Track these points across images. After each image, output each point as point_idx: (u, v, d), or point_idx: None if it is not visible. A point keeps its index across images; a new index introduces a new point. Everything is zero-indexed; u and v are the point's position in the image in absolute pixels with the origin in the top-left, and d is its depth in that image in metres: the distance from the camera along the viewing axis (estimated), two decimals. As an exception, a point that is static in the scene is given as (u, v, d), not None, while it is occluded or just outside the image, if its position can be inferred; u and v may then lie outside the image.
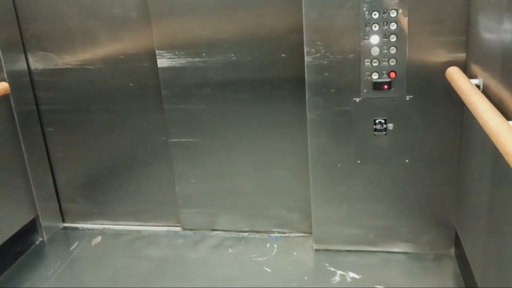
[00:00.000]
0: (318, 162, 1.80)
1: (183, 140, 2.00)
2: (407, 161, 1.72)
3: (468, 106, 1.25)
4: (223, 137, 1.97)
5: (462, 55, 1.57)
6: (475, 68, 1.47)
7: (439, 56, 1.59)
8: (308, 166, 1.82)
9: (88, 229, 2.23)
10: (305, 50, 1.66)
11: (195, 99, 1.93)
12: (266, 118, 1.91)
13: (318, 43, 1.64)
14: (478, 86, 1.37)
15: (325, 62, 1.66)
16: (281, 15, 1.75)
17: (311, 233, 1.96)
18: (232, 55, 1.83)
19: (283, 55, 1.80)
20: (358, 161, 1.76)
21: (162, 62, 1.89)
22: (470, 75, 1.48)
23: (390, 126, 1.69)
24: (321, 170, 1.81)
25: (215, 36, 1.82)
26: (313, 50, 1.65)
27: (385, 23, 1.58)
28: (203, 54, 1.85)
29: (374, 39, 1.60)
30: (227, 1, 1.77)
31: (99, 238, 2.15)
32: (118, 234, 2.17)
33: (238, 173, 2.02)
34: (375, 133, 1.71)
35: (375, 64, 1.63)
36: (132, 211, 2.21)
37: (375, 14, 1.57)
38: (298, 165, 1.95)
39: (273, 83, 1.85)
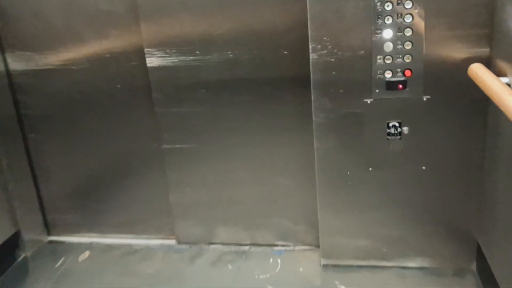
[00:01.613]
0: (326, 169, 1.63)
1: (177, 146, 1.83)
2: (423, 167, 1.56)
3: (501, 107, 1.09)
4: (221, 142, 1.80)
5: (485, 50, 1.40)
6: (502, 64, 1.31)
7: (459, 51, 1.42)
8: (314, 173, 1.66)
9: (75, 243, 2.06)
10: (310, 47, 1.49)
11: (189, 101, 1.76)
12: (267, 121, 1.74)
13: (325, 38, 1.47)
14: (508, 85, 1.21)
15: (332, 60, 1.49)
16: (283, 8, 1.58)
17: (318, 245, 1.80)
18: (229, 52, 1.66)
19: (285, 52, 1.63)
20: (370, 168, 1.60)
21: (152, 61, 1.72)
22: (497, 73, 1.31)
23: (405, 129, 1.52)
24: (329, 178, 1.65)
25: (210, 32, 1.65)
26: (319, 46, 1.49)
27: (400, 15, 1.41)
28: (197, 52, 1.68)
29: (387, 34, 1.43)
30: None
31: (87, 253, 1.98)
32: (108, 248, 2.00)
33: (237, 181, 1.85)
34: (389, 137, 1.55)
35: (388, 61, 1.46)
36: (122, 223, 2.04)
37: (388, 6, 1.41)
38: (303, 172, 1.78)
39: (274, 83, 1.68)
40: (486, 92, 1.19)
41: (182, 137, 1.82)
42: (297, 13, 1.57)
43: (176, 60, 1.70)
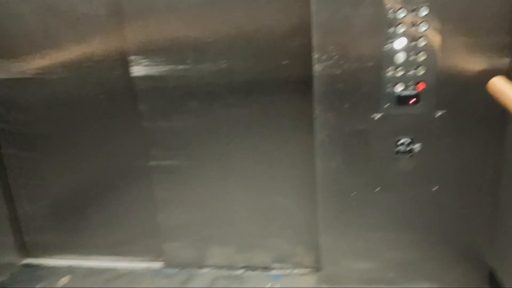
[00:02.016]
0: (329, 189, 1.50)
1: (166, 163, 1.68)
2: (435, 188, 1.44)
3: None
4: (214, 159, 1.65)
5: (505, 61, 1.28)
6: (527, 79, 1.20)
7: (477, 62, 1.30)
8: (314, 192, 1.53)
9: (54, 266, 1.89)
10: (313, 57, 1.35)
11: (179, 114, 1.61)
12: (264, 136, 1.60)
13: (330, 48, 1.34)
14: (538, 103, 1.09)
15: (338, 71, 1.36)
16: (284, 13, 1.44)
17: (317, 268, 1.67)
18: (223, 61, 1.51)
19: (285, 61, 1.49)
20: (377, 189, 1.47)
21: (138, 70, 1.56)
22: (521, 88, 1.20)
23: (416, 147, 1.40)
24: (333, 198, 1.51)
25: (202, 38, 1.49)
26: (324, 57, 1.35)
27: (413, 23, 1.28)
28: (188, 61, 1.52)
29: (399, 43, 1.30)
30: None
31: (67, 278, 1.81)
32: (90, 272, 1.83)
33: (231, 200, 1.71)
34: (398, 155, 1.42)
35: (399, 74, 1.33)
36: (106, 244, 1.88)
37: (401, 13, 1.28)
38: (302, 191, 1.64)
39: (273, 95, 1.54)
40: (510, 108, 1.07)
41: (171, 153, 1.66)
42: (298, 19, 1.43)
43: (164, 69, 1.55)
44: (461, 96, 1.33)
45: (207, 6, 1.46)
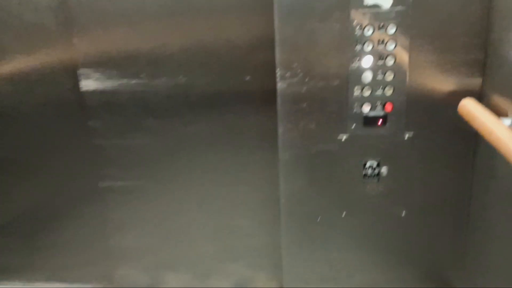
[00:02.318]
0: (293, 212, 1.41)
1: (119, 183, 1.55)
2: (404, 213, 1.38)
3: (508, 156, 0.91)
4: (171, 179, 1.54)
5: (477, 81, 1.24)
6: (500, 100, 1.15)
7: (448, 82, 1.25)
8: (277, 215, 1.44)
9: (-6, 296, 1.73)
10: (277, 74, 1.27)
11: (134, 131, 1.49)
12: (226, 156, 1.50)
13: (295, 64, 1.26)
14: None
15: (303, 90, 1.28)
16: (246, 26, 1.35)
17: (281, 295, 1.58)
18: (181, 76, 1.41)
19: (248, 77, 1.40)
20: (343, 214, 1.39)
21: (88, 84, 1.44)
22: (492, 109, 1.15)
23: (384, 170, 1.33)
24: (296, 223, 1.43)
25: (158, 51, 1.39)
26: (288, 74, 1.27)
27: (381, 41, 1.22)
28: (143, 75, 1.41)
29: (367, 62, 1.24)
30: (174, 6, 1.34)
31: (7, 309, 1.66)
32: (35, 301, 1.68)
33: (189, 223, 1.60)
34: (365, 179, 1.35)
35: (367, 93, 1.27)
36: (55, 269, 1.72)
37: (368, 30, 1.21)
38: (265, 213, 1.55)
39: (235, 113, 1.44)
40: (487, 137, 1.01)
41: (125, 173, 1.54)
42: (262, 33, 1.34)
43: (117, 84, 1.43)
44: (431, 117, 1.28)
45: (163, 17, 1.35)
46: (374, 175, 1.34)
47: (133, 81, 1.43)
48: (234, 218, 1.58)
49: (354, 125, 1.30)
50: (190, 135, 1.48)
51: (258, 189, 1.53)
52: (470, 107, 1.14)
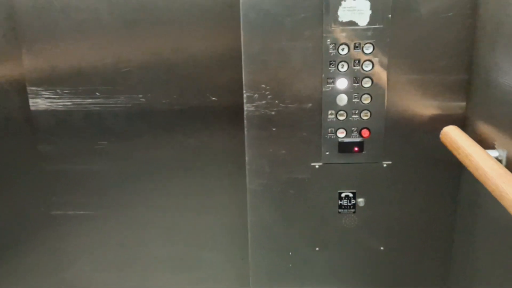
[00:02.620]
0: (261, 247, 1.29)
1: (71, 213, 1.41)
2: (382, 248, 1.26)
3: (501, 200, 0.81)
4: (130, 208, 1.40)
5: (461, 105, 1.14)
6: (485, 128, 1.05)
7: (429, 107, 1.15)
8: (245, 247, 1.31)
9: None
10: (244, 95, 1.16)
11: (88, 156, 1.35)
12: (190, 183, 1.37)
13: (263, 86, 1.15)
14: (499, 160, 0.94)
15: (272, 113, 1.17)
16: (213, 40, 1.23)
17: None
18: (140, 96, 1.28)
19: (214, 98, 1.28)
20: (317, 248, 1.27)
21: (37, 103, 1.30)
22: (479, 139, 1.05)
23: (361, 201, 1.22)
24: (266, 257, 1.30)
25: (115, 68, 1.26)
26: (256, 96, 1.16)
27: (357, 62, 1.12)
28: (98, 94, 1.28)
29: (341, 84, 1.14)
30: (131, 18, 1.22)
31: None
32: None
33: (150, 257, 1.45)
34: (341, 210, 1.24)
35: (341, 118, 1.16)
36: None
37: (343, 49, 1.11)
38: (232, 245, 1.42)
39: (200, 136, 1.32)
40: (473, 172, 0.91)
41: (79, 201, 1.40)
42: (230, 48, 1.23)
43: (69, 103, 1.30)
44: (411, 144, 1.18)
45: (119, 30, 1.23)
46: (350, 206, 1.23)
47: (87, 100, 1.29)
48: (200, 250, 1.45)
49: (328, 152, 1.18)
50: (152, 160, 1.35)
51: (226, 218, 1.41)
52: (453, 136, 1.04)
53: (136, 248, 1.45)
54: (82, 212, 1.41)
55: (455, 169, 1.18)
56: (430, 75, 1.13)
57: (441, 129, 1.10)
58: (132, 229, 1.43)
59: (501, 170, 0.83)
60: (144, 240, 1.44)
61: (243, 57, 1.13)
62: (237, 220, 1.38)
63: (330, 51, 1.11)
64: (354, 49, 1.11)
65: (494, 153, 0.95)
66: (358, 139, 1.17)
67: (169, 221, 1.41)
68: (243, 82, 1.15)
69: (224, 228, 1.41)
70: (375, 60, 1.11)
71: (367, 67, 1.12)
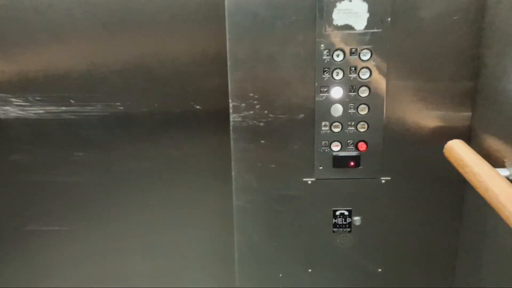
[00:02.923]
0: (249, 268, 1.19)
1: (45, 228, 1.31)
2: (379, 270, 1.17)
3: (511, 222, 0.71)
4: (108, 223, 1.30)
5: (465, 116, 1.05)
6: (492, 143, 0.96)
7: (431, 118, 1.06)
8: (232, 269, 1.21)
9: None
10: (230, 104, 1.06)
11: (63, 168, 1.25)
12: (172, 198, 1.27)
13: (251, 94, 1.05)
14: (510, 179, 0.85)
15: (261, 124, 1.07)
16: (198, 46, 1.14)
17: None
18: (118, 103, 1.18)
19: (198, 106, 1.19)
20: (309, 270, 1.18)
21: (7, 111, 1.20)
22: (486, 154, 0.95)
23: (357, 220, 1.13)
24: (254, 280, 1.20)
25: (91, 73, 1.16)
26: (243, 105, 1.06)
27: (353, 69, 1.02)
28: (72, 101, 1.18)
29: (336, 93, 1.04)
30: (109, 19, 1.12)
31: None
32: None
33: (129, 278, 1.36)
34: (335, 229, 1.14)
35: (336, 130, 1.07)
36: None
37: (338, 55, 1.01)
38: (217, 266, 1.32)
39: (183, 148, 1.22)
40: (481, 193, 0.81)
41: (53, 216, 1.29)
42: (216, 52, 1.13)
43: (42, 111, 1.20)
44: (411, 159, 1.08)
45: (96, 32, 1.13)
46: (346, 225, 1.13)
47: (61, 108, 1.19)
48: (182, 270, 1.35)
49: (321, 166, 1.09)
50: (131, 172, 1.25)
51: (211, 235, 1.31)
52: (458, 151, 0.94)
53: (112, 265, 1.35)
54: (57, 228, 1.31)
55: (458, 186, 1.09)
56: (433, 83, 1.03)
57: (444, 142, 1.00)
58: (110, 245, 1.33)
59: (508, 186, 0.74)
60: (122, 257, 1.34)
61: (228, 63, 1.03)
62: (223, 237, 1.28)
63: (324, 57, 1.01)
64: (350, 55, 1.01)
65: (504, 172, 0.85)
66: (354, 153, 1.07)
67: (149, 237, 1.31)
68: (229, 90, 1.05)
69: (209, 245, 1.31)
70: (373, 67, 1.02)
71: (364, 75, 1.02)
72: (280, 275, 1.18)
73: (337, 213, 1.12)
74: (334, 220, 1.13)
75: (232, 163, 1.11)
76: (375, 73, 1.02)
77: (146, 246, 1.32)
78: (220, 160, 1.19)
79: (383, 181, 1.09)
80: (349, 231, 1.14)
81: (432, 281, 1.17)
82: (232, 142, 1.09)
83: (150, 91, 1.17)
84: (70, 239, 1.31)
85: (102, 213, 1.30)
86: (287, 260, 1.17)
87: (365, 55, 1.01)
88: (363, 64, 1.02)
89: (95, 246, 1.33)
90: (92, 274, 1.35)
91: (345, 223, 1.13)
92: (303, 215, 1.13)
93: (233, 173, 1.11)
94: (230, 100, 1.06)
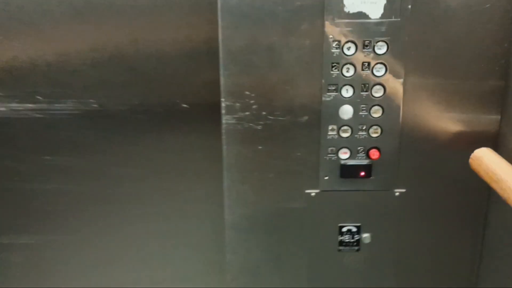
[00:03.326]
0: (244, 289, 1.05)
1: (17, 242, 1.15)
2: (391, 292, 1.04)
3: None
4: (86, 234, 1.14)
5: (493, 119, 0.91)
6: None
7: (454, 122, 0.92)
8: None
9: None
10: (222, 104, 0.91)
11: (32, 173, 1.09)
12: (158, 210, 1.12)
13: (247, 92, 0.90)
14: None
15: (259, 127, 0.92)
16: (185, 32, 0.98)
17: None
18: (92, 101, 1.02)
19: (185, 105, 1.03)
20: (311, 292, 1.05)
21: (-37, 108, 1.04)
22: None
23: (366, 237, 0.99)
24: (248, 303, 1.07)
25: (60, 66, 1.00)
26: (238, 105, 0.91)
27: (367, 65, 0.88)
28: (39, 97, 1.02)
29: (346, 92, 0.90)
30: (84, 5, 0.96)
31: None
32: None
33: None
34: (341, 248, 1.00)
35: (345, 135, 0.92)
36: None
37: (349, 48, 0.87)
38: (212, 278, 1.18)
39: (167, 151, 1.07)
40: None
41: (23, 227, 1.14)
42: (207, 41, 0.98)
43: (4, 109, 1.03)
44: (430, 169, 0.95)
45: (70, 20, 0.97)
46: (353, 243, 0.99)
47: (28, 106, 1.03)
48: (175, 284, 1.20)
49: (327, 176, 0.94)
50: (107, 178, 1.09)
51: (204, 248, 1.16)
52: (489, 163, 0.81)
53: (97, 280, 1.20)
54: (28, 241, 1.15)
55: (483, 198, 0.96)
56: (457, 82, 0.89)
57: (468, 149, 0.87)
58: (92, 259, 1.17)
59: None
60: (106, 273, 1.19)
61: (221, 55, 0.88)
62: (216, 249, 1.13)
63: (332, 51, 0.87)
64: (364, 48, 0.86)
65: (548, 191, 0.72)
66: (365, 162, 0.93)
67: (135, 252, 1.16)
68: (221, 88, 0.90)
69: (202, 259, 1.16)
70: (390, 62, 0.87)
71: (379, 71, 0.88)
72: (278, 298, 1.05)
73: (344, 229, 0.98)
74: (340, 237, 0.99)
75: (224, 172, 0.96)
76: (392, 70, 0.88)
77: (127, 260, 1.18)
78: (210, 166, 1.04)
79: (397, 193, 0.95)
80: (357, 250, 1.00)
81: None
82: (224, 147, 0.94)
83: (131, 87, 1.01)
84: (44, 251, 1.15)
85: (78, 223, 1.14)
86: (288, 280, 1.03)
87: (381, 49, 0.87)
88: (378, 59, 0.87)
89: (77, 259, 1.18)
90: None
91: (352, 240, 0.99)
92: (305, 232, 0.99)
93: (224, 184, 0.96)
94: (222, 99, 0.91)
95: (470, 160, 0.86)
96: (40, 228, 1.15)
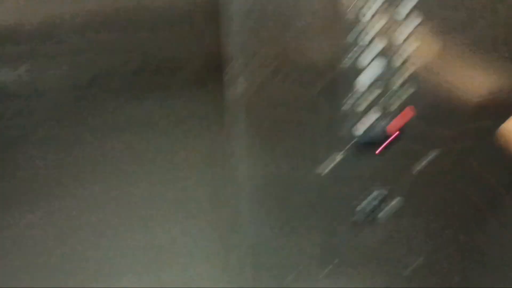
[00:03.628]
0: (259, 266, 0.99)
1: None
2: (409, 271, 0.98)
3: None
4: (80, 214, 1.08)
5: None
6: None
7: (488, 90, 0.83)
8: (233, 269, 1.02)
9: None
10: (226, 69, 0.82)
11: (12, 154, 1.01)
12: (159, 190, 1.04)
13: (254, 57, 0.81)
14: None
15: (265, 97, 0.83)
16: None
17: None
18: (66, 66, 0.92)
19: (184, 74, 0.93)
20: (326, 270, 0.99)
21: None
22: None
23: (393, 206, 0.92)
24: (261, 280, 1.01)
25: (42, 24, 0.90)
26: (244, 71, 0.82)
27: (390, 26, 0.77)
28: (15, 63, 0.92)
29: (366, 57, 0.80)
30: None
31: None
32: None
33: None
34: (358, 216, 0.93)
35: (364, 105, 0.83)
36: None
37: (370, 7, 0.77)
38: (219, 265, 1.13)
39: (167, 127, 0.98)
40: None
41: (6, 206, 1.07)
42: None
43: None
44: (464, 132, 0.87)
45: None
46: (370, 220, 0.93)
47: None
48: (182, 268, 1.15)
49: (343, 151, 0.86)
50: (97, 158, 1.00)
51: (207, 231, 1.10)
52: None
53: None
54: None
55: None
56: (493, 46, 0.80)
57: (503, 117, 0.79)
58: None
59: None
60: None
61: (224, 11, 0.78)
62: (221, 231, 1.07)
63: (350, 10, 0.77)
64: (387, 7, 0.76)
65: None
66: (385, 135, 0.85)
67: (123, 249, 1.09)
68: (223, 51, 0.80)
69: (213, 245, 1.10)
70: (415, 23, 0.78)
71: (403, 33, 0.78)
72: (289, 277, 0.99)
73: (368, 197, 0.91)
74: (358, 206, 0.92)
75: (230, 146, 0.88)
76: (418, 32, 0.78)
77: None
78: (213, 146, 0.96)
79: (418, 168, 0.88)
80: (374, 228, 0.93)
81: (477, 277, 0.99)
82: (226, 122, 0.85)
83: (119, 42, 0.91)
84: (28, 235, 1.09)
85: (63, 205, 1.07)
86: (299, 259, 0.97)
87: (405, 7, 0.77)
88: (403, 20, 0.77)
89: (58, 246, 1.11)
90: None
91: (370, 215, 0.92)
92: (318, 210, 0.92)
93: (231, 159, 0.88)
94: (225, 62, 0.81)
95: (498, 132, 0.78)
96: (24, 208, 1.09)
